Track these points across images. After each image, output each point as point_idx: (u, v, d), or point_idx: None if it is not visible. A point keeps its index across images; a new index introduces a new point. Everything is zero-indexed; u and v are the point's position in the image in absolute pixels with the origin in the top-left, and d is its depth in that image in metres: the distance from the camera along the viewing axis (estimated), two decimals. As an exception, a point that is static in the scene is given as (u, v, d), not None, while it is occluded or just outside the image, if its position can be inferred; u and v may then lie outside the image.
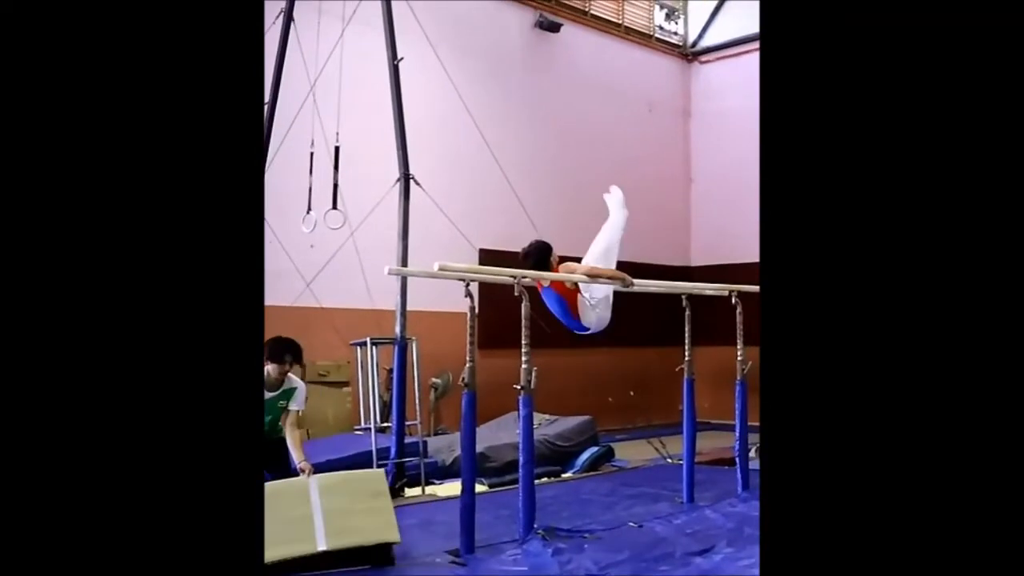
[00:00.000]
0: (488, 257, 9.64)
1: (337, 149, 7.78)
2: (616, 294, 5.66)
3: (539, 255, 5.45)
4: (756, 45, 12.86)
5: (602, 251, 5.57)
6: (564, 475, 7.81)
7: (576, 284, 5.40)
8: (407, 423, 6.94)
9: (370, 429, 6.92)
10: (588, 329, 5.54)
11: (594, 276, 5.36)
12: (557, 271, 5.42)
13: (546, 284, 5.46)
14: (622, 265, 5.77)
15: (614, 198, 5.77)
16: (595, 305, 5.42)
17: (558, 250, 5.64)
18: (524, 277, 4.98)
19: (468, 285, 4.84)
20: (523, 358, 4.75)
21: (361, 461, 6.82)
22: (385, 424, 7.46)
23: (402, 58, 7.22)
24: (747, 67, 13.13)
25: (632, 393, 9.62)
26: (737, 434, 6.57)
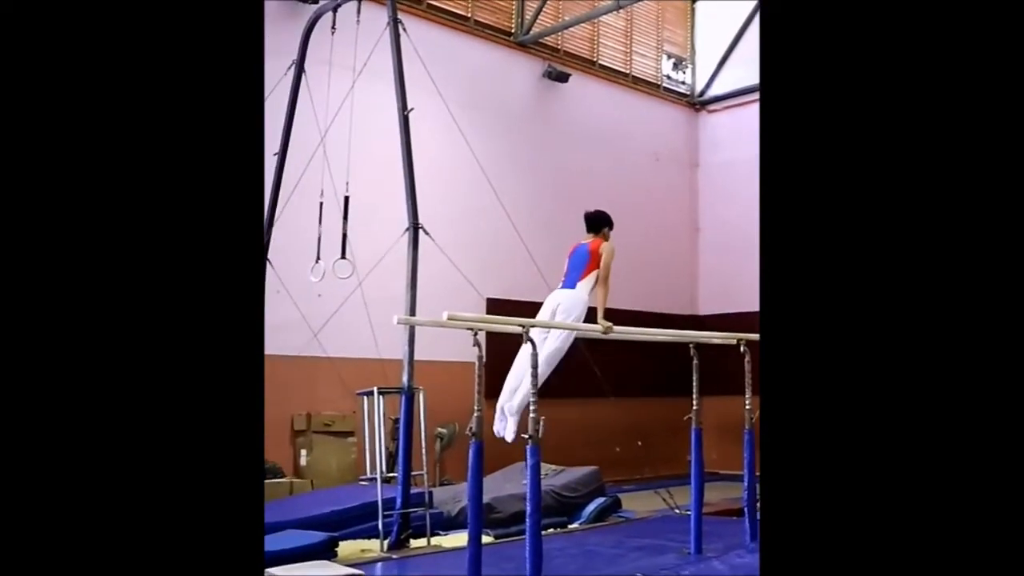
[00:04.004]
0: (495, 306, 9.77)
1: (347, 199, 7.95)
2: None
3: (597, 220, 6.18)
4: (763, 95, 13.12)
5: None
6: (570, 526, 7.85)
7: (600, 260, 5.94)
8: (412, 474, 7.01)
9: (375, 480, 6.98)
10: (572, 289, 5.84)
11: (602, 281, 5.88)
12: (603, 240, 6.07)
13: (585, 241, 6.07)
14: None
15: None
16: (587, 297, 5.86)
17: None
18: (532, 327, 5.09)
19: (476, 335, 4.94)
20: (532, 407, 4.83)
21: (366, 512, 6.88)
22: (390, 475, 7.52)
23: (412, 108, 7.40)
24: (754, 117, 13.23)
25: (639, 443, 9.66)
26: (745, 484, 6.61)
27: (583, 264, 5.92)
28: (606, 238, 6.03)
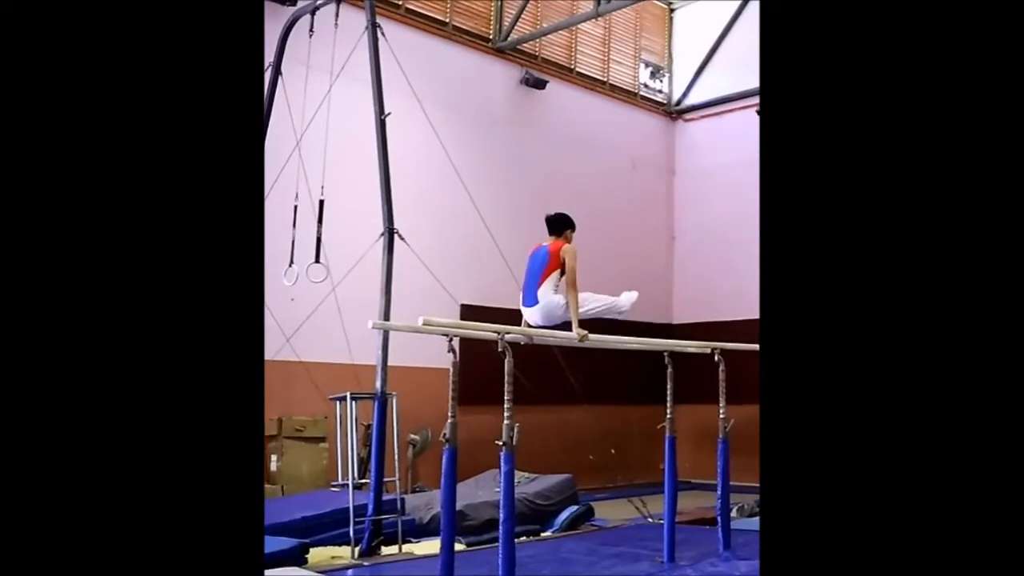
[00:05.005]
0: (469, 312, 9.75)
1: (322, 203, 7.91)
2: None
3: (559, 223, 5.98)
4: (739, 104, 13.26)
5: (586, 296, 5.88)
6: (543, 534, 7.84)
7: (561, 263, 5.74)
8: (384, 480, 6.97)
9: (347, 485, 6.94)
10: (536, 304, 5.67)
11: (569, 286, 5.66)
12: (564, 242, 5.85)
13: (546, 244, 5.88)
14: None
15: (629, 294, 6.24)
16: (557, 298, 5.71)
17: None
18: (508, 333, 5.08)
19: (451, 340, 4.92)
20: (506, 414, 4.81)
21: (337, 518, 6.84)
22: (362, 481, 7.48)
23: (389, 113, 7.39)
24: (731, 126, 13.47)
25: (613, 451, 9.67)
26: (719, 493, 6.63)
27: (541, 268, 5.76)
28: (568, 240, 5.90)
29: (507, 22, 11.90)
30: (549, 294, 5.67)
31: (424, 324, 4.80)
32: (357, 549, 6.53)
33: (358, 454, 7.80)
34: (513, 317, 5.98)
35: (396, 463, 7.15)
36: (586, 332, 5.63)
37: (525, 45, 12.19)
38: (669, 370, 6.33)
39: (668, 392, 6.35)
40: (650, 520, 8.18)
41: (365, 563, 6.36)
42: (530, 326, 5.77)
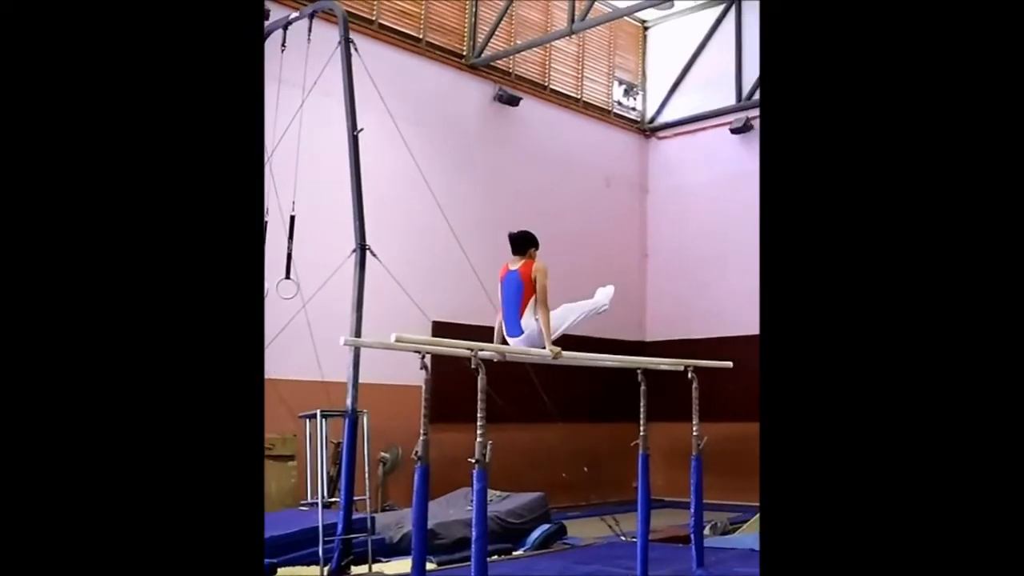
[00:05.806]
0: (441, 329, 9.73)
1: (293, 218, 7.88)
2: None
3: (522, 241, 5.82)
4: (713, 122, 13.41)
5: (565, 309, 5.87)
6: (515, 553, 7.81)
7: (534, 283, 5.66)
8: (354, 498, 6.92)
9: (316, 504, 6.88)
10: (521, 334, 5.65)
11: (541, 304, 5.60)
12: (531, 261, 5.74)
13: (515, 267, 5.74)
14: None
15: (605, 290, 6.07)
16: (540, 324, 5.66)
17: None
18: (481, 350, 5.07)
19: (424, 357, 4.91)
20: (479, 431, 4.80)
21: (306, 538, 6.78)
22: (332, 499, 7.42)
23: (362, 129, 7.38)
24: (705, 144, 13.60)
25: (586, 469, 9.66)
26: (692, 511, 6.63)
27: (518, 296, 5.67)
28: (533, 258, 5.80)
29: (481, 39, 11.95)
30: (532, 322, 5.63)
31: (396, 341, 4.79)
32: (326, 569, 6.47)
33: (328, 472, 7.73)
34: (485, 334, 5.97)
35: (366, 481, 7.10)
36: (559, 349, 5.62)
37: (499, 62, 12.25)
38: (642, 388, 6.32)
39: (641, 410, 6.34)
40: (623, 538, 8.17)
41: (334, 583, 6.31)
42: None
